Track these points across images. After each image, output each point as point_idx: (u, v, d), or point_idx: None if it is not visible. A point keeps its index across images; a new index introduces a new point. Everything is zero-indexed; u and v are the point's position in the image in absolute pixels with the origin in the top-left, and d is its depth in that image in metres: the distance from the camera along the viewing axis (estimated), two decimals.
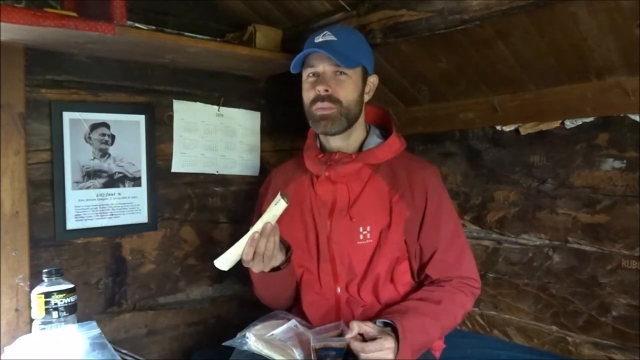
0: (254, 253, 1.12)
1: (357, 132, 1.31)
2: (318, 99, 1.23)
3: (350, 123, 1.26)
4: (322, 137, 1.33)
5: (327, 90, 1.22)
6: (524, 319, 1.59)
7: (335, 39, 1.22)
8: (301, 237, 1.30)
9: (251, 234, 1.12)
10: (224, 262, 1.15)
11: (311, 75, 1.26)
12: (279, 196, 1.12)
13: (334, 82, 1.22)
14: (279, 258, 1.17)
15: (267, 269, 1.17)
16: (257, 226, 1.12)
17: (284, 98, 1.85)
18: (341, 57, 1.19)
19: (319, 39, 1.23)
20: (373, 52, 1.33)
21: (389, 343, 1.05)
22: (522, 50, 1.36)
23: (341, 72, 1.23)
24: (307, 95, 1.26)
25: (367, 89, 1.30)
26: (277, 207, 1.12)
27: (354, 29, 1.35)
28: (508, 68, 1.44)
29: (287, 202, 1.12)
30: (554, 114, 1.47)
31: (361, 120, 1.31)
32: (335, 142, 1.30)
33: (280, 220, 1.15)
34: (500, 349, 1.56)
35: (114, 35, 1.21)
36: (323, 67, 1.23)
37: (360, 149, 1.31)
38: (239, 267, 1.22)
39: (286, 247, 1.23)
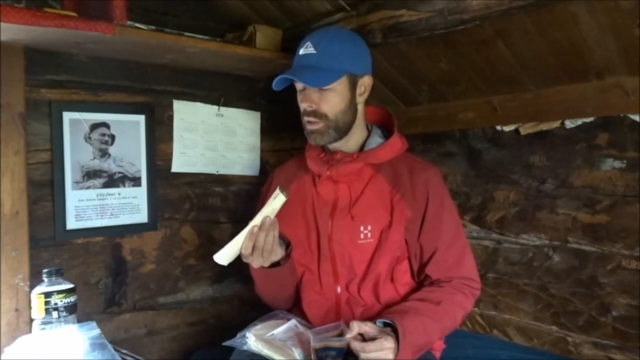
0: (253, 247, 1.12)
1: (357, 134, 1.31)
2: (304, 113, 1.25)
3: (341, 134, 1.26)
4: None
5: (311, 106, 1.23)
6: (524, 319, 1.59)
7: (314, 52, 1.21)
8: (302, 236, 1.30)
9: (250, 228, 1.12)
10: (224, 256, 1.15)
11: (300, 87, 1.27)
12: (278, 190, 1.12)
13: (317, 96, 1.22)
14: (278, 253, 1.17)
15: (266, 264, 1.16)
16: (256, 220, 1.11)
17: (284, 98, 1.84)
18: (317, 78, 1.19)
19: (302, 50, 1.24)
20: (373, 52, 1.32)
21: (389, 343, 1.05)
22: (522, 50, 1.36)
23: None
24: (300, 107, 1.28)
25: (359, 92, 1.26)
26: (276, 201, 1.12)
27: (338, 30, 1.32)
28: (508, 68, 1.44)
29: (286, 196, 1.11)
30: (554, 114, 1.47)
31: (359, 122, 1.30)
32: (335, 144, 1.30)
33: (282, 219, 1.15)
34: (500, 349, 1.56)
35: (114, 35, 1.21)
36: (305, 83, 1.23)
37: (361, 148, 1.31)
38: (240, 267, 1.22)
39: (286, 244, 1.22)
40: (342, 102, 1.23)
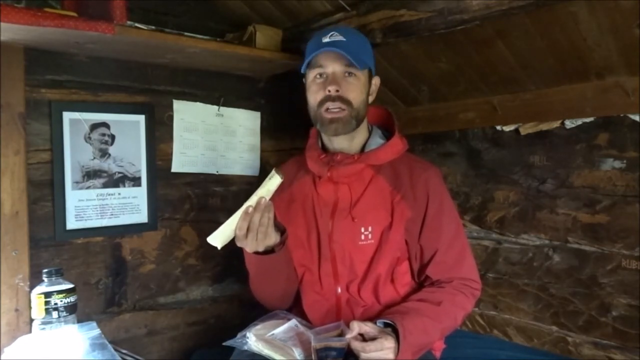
0: (248, 228, 1.10)
1: (361, 133, 1.31)
2: (328, 99, 1.21)
3: (358, 124, 1.26)
4: (325, 137, 1.32)
5: (338, 91, 1.20)
6: (524, 319, 1.59)
7: (344, 39, 1.20)
8: (303, 236, 1.30)
9: (245, 208, 1.10)
10: (218, 238, 1.13)
11: (319, 76, 1.24)
12: (273, 171, 1.11)
13: (344, 82, 1.21)
14: (273, 237, 1.14)
15: (260, 249, 1.14)
16: (251, 200, 1.10)
17: (284, 98, 1.86)
18: (354, 57, 1.18)
19: (326, 39, 1.21)
20: (373, 52, 1.33)
21: (389, 343, 1.05)
22: (522, 50, 1.36)
23: (350, 73, 1.22)
24: (315, 96, 1.24)
25: (371, 90, 1.30)
26: (271, 182, 1.11)
27: (356, 30, 1.34)
28: (508, 68, 1.44)
29: (281, 177, 1.11)
30: (554, 114, 1.47)
31: (364, 121, 1.31)
32: (339, 144, 1.29)
33: (282, 219, 1.14)
34: (500, 349, 1.56)
35: (114, 35, 1.21)
36: (333, 67, 1.21)
37: (362, 149, 1.31)
38: (240, 267, 1.21)
39: (281, 231, 1.20)
40: (364, 92, 1.25)
